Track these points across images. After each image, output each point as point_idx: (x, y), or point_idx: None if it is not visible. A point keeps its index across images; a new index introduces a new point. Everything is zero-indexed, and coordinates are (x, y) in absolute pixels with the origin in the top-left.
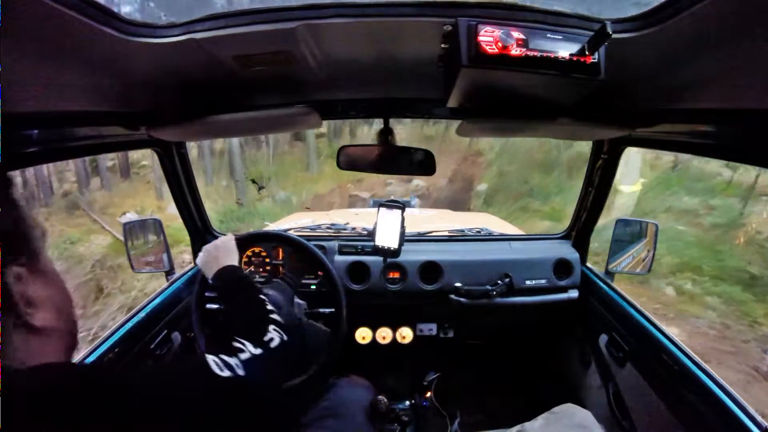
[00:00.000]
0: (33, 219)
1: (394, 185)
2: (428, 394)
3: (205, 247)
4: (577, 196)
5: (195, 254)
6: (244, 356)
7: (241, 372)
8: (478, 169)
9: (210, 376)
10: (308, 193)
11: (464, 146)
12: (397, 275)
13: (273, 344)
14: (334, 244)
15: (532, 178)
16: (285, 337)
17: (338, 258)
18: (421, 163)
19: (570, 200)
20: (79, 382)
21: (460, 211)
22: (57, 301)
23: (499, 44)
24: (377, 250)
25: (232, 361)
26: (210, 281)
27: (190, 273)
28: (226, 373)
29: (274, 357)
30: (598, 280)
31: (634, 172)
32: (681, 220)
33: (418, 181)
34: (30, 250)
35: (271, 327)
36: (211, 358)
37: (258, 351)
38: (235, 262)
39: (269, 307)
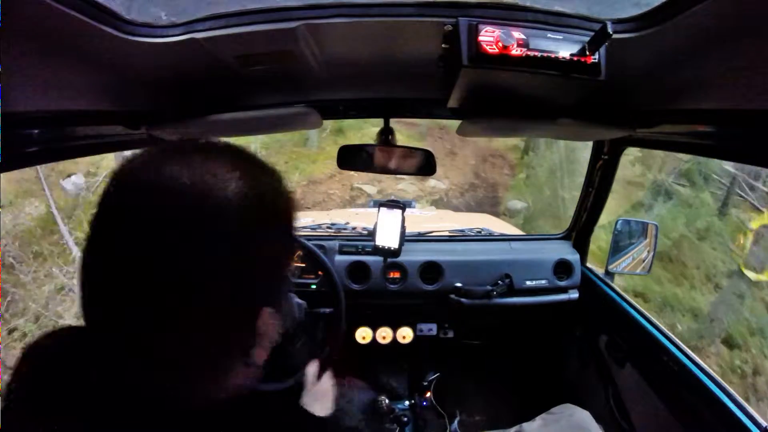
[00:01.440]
0: (295, 246)
1: (405, 183)
2: (428, 394)
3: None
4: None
5: None
6: None
7: None
8: (500, 175)
9: None
10: (302, 175)
11: (482, 142)
12: (397, 275)
13: None
14: (335, 244)
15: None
16: None
17: (338, 258)
18: (421, 163)
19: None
20: None
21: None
22: (273, 337)
23: (500, 44)
24: (377, 250)
25: None
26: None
27: None
28: None
29: None
30: (598, 281)
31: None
32: None
33: (436, 182)
34: (285, 287)
35: None
36: None
37: None
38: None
39: None
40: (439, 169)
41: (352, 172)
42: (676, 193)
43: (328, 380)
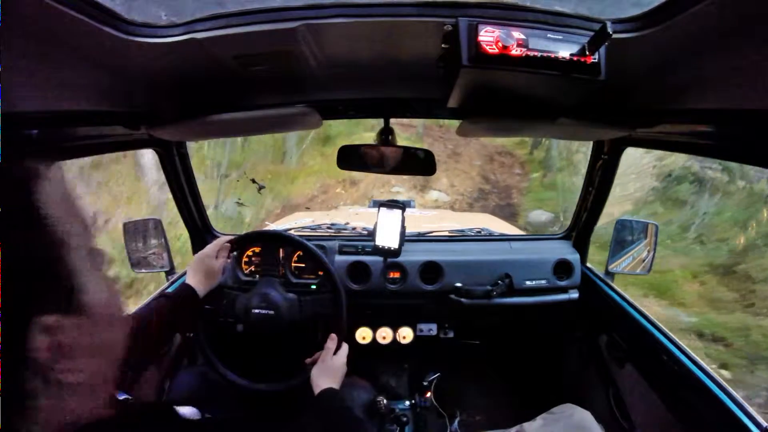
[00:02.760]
0: (73, 232)
1: (403, 197)
2: (428, 394)
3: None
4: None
5: (195, 254)
6: None
7: None
8: (511, 176)
9: None
10: (276, 200)
11: (485, 139)
12: (397, 275)
13: None
14: (335, 244)
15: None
16: None
17: (338, 258)
18: (421, 162)
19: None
20: None
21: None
22: (107, 344)
23: (500, 44)
24: (377, 250)
25: None
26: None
27: None
28: None
29: None
30: (598, 281)
31: None
32: None
33: (438, 194)
34: (73, 288)
35: None
36: None
37: None
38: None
39: None
40: (442, 174)
41: (339, 189)
42: (712, 180)
43: (341, 358)
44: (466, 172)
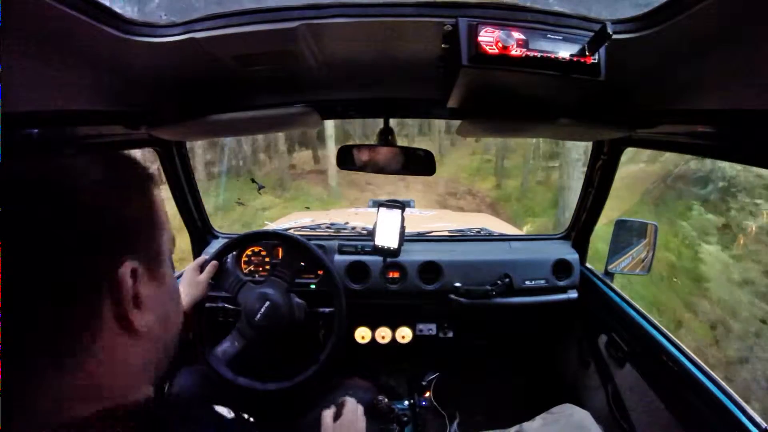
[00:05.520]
0: (164, 220)
1: None
2: (427, 394)
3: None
4: None
5: (195, 254)
6: None
7: None
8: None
9: None
10: None
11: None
12: (396, 275)
13: None
14: (334, 244)
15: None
16: None
17: (338, 257)
18: (421, 163)
19: None
20: None
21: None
22: (166, 311)
23: (500, 44)
24: (377, 250)
25: None
26: None
27: None
28: None
29: None
30: (597, 281)
31: None
32: None
33: None
34: (152, 250)
35: None
36: None
37: None
38: None
39: None
40: None
41: None
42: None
43: (361, 421)
44: None
